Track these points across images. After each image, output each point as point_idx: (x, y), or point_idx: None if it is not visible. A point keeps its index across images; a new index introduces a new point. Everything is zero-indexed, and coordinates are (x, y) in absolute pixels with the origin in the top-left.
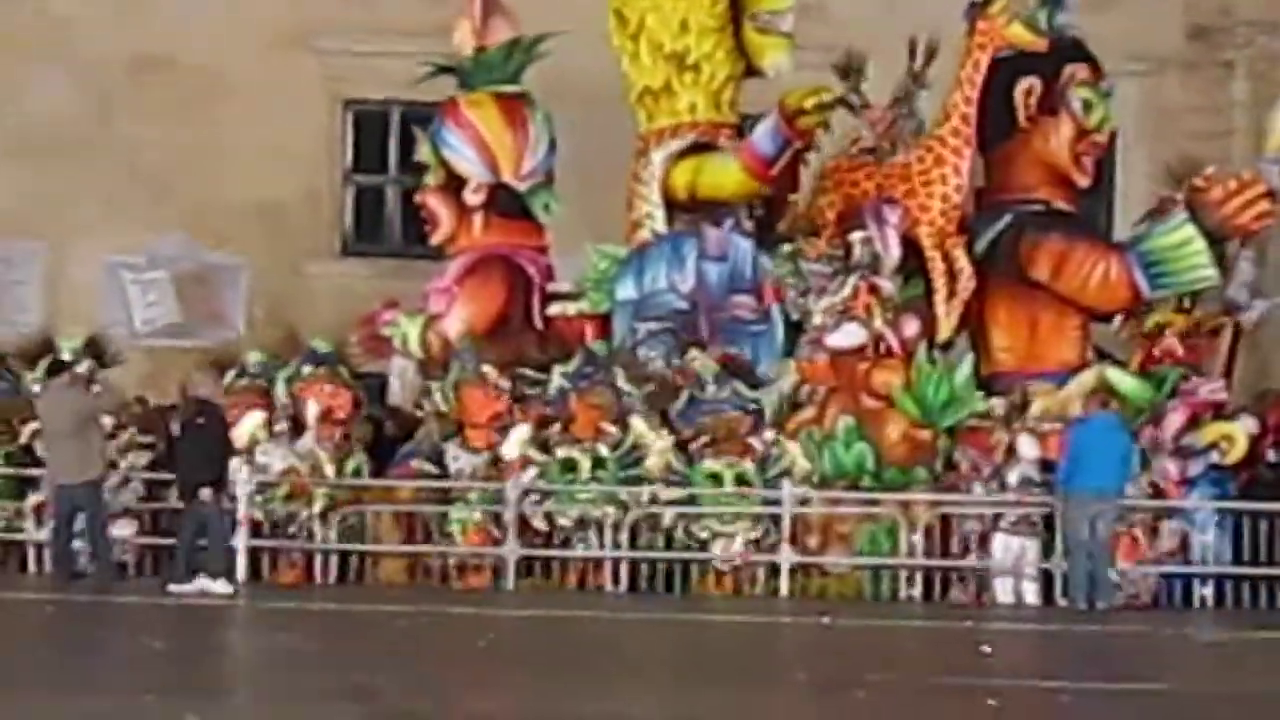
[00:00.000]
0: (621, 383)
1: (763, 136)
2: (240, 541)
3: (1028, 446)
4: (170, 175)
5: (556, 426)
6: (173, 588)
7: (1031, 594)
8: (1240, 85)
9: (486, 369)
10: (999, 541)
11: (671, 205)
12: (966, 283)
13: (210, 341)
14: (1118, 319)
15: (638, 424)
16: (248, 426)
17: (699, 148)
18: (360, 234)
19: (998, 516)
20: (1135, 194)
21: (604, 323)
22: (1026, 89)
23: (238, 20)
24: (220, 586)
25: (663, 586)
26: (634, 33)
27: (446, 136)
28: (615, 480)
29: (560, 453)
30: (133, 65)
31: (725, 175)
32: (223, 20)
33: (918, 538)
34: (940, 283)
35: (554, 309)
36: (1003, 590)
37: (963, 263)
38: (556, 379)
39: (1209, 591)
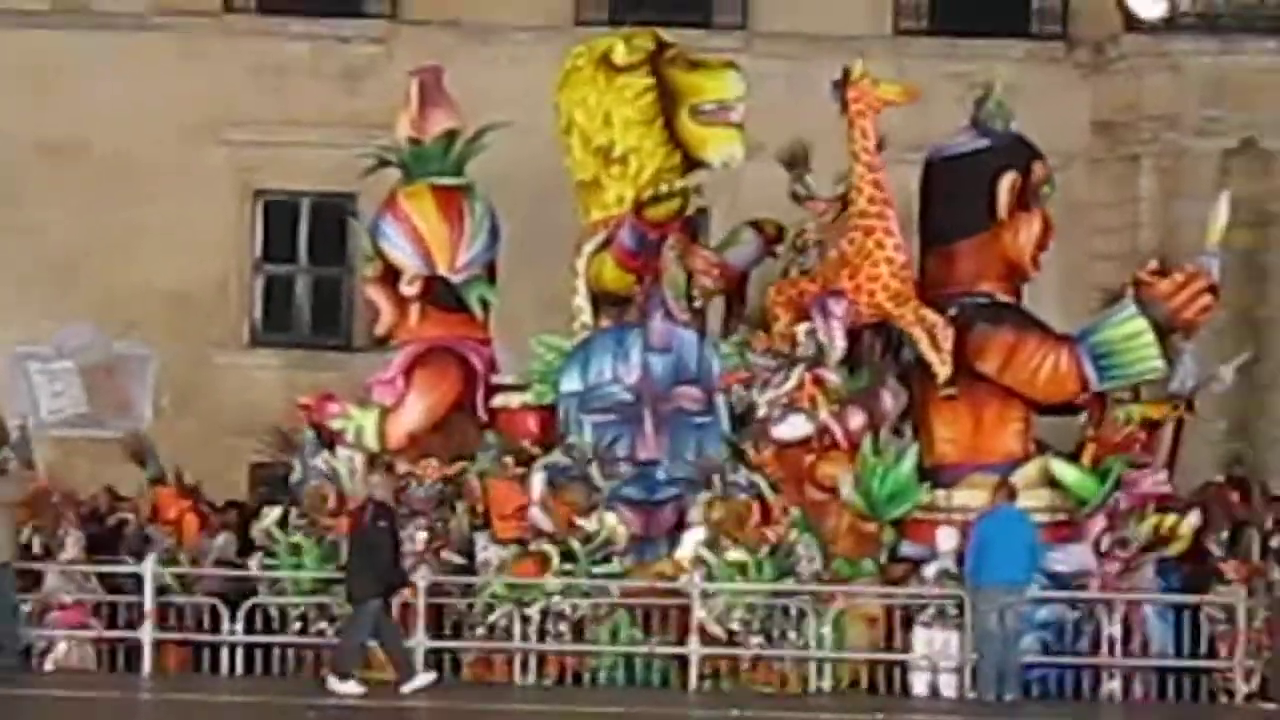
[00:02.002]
0: (596, 478)
1: (625, 231)
2: (146, 634)
3: (945, 539)
4: (79, 262)
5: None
6: (335, 685)
7: (949, 687)
8: (1147, 180)
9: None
10: (920, 635)
11: (596, 297)
12: (945, 330)
13: (118, 431)
14: (1084, 415)
15: (609, 518)
16: (266, 523)
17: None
18: (269, 324)
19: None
20: (1047, 286)
21: (549, 414)
22: (1012, 183)
23: (149, 108)
24: (421, 680)
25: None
26: (566, 127)
27: (384, 228)
28: (586, 574)
29: (533, 546)
30: (43, 149)
31: (606, 268)
32: (134, 108)
33: (827, 630)
34: (919, 332)
35: (498, 401)
36: (920, 683)
37: (933, 315)
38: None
39: (1117, 685)
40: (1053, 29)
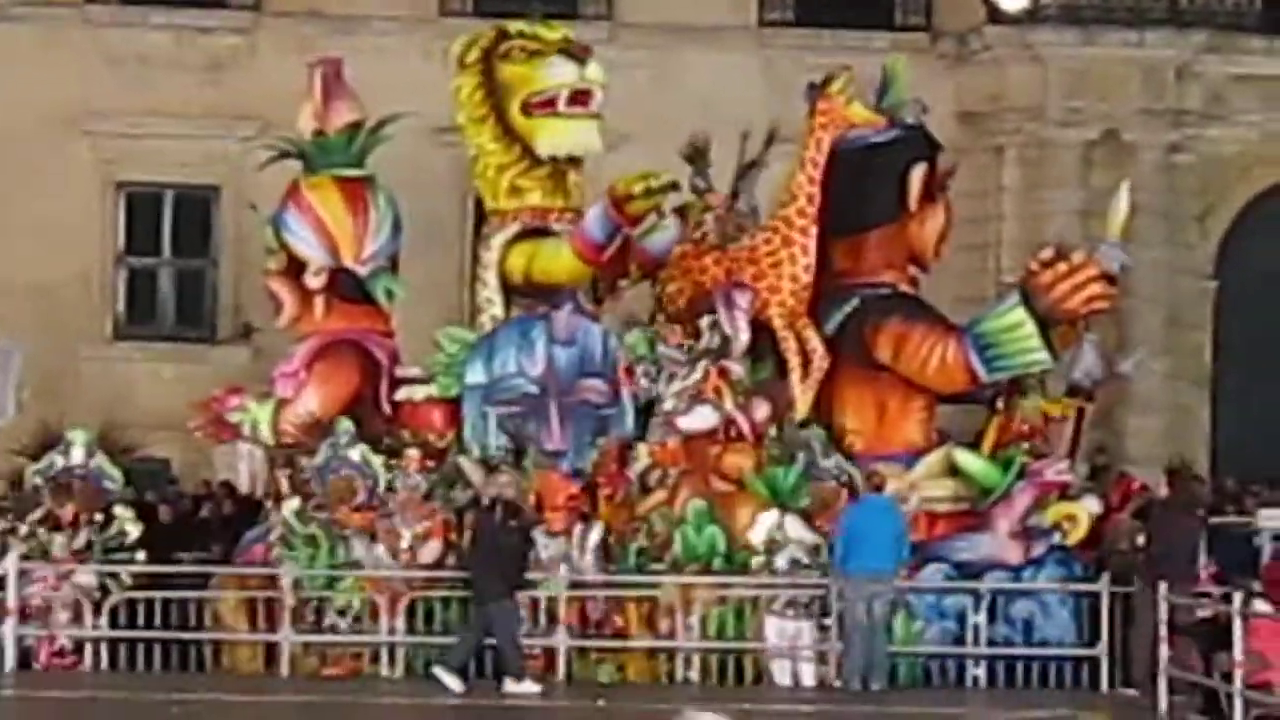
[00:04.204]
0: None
1: (593, 222)
2: (9, 629)
3: (795, 528)
4: None
5: None
6: (513, 688)
7: (809, 676)
8: (1010, 171)
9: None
10: (772, 625)
11: (509, 289)
12: (820, 362)
13: None
14: (999, 402)
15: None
16: (287, 513)
17: (534, 232)
18: (133, 316)
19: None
20: None
21: (453, 407)
22: (924, 174)
23: (10, 100)
24: (526, 687)
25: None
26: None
27: (287, 220)
28: None
29: None
30: None
31: (557, 260)
32: None
33: (694, 620)
34: (795, 362)
35: (402, 393)
36: (780, 672)
37: (815, 343)
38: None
39: (981, 672)
40: (916, 20)
